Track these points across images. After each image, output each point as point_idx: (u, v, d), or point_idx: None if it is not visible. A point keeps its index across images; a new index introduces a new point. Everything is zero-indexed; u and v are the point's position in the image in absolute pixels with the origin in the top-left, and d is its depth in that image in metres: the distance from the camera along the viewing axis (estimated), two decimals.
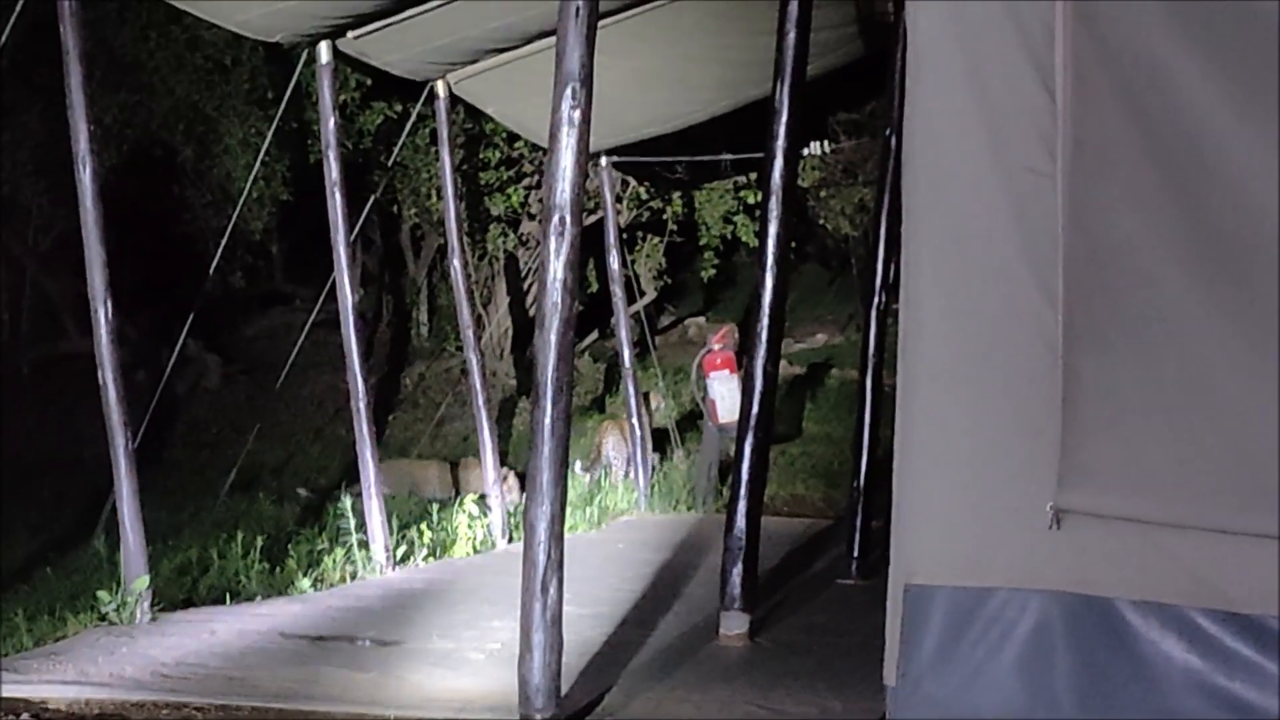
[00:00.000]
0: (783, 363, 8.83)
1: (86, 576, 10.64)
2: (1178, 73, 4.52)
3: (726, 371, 14.74)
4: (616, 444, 15.67)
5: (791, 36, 7.84)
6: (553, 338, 5.85)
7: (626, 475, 15.52)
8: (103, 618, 8.42)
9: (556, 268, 5.84)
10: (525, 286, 20.83)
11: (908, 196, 5.23)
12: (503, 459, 13.68)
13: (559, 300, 5.84)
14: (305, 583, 9.97)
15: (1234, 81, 4.44)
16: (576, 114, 5.84)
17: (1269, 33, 4.38)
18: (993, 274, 4.98)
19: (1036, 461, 4.85)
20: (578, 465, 15.27)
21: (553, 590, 5.83)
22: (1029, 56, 4.82)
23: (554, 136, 5.87)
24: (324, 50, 10.48)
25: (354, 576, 10.42)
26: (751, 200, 19.23)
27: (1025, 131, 4.85)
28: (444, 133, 12.46)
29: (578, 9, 5.82)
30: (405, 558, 11.04)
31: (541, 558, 5.81)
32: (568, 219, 5.82)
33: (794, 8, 7.82)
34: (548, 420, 5.85)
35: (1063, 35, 4.73)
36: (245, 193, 13.49)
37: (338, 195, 10.64)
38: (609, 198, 15.67)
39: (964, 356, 5.06)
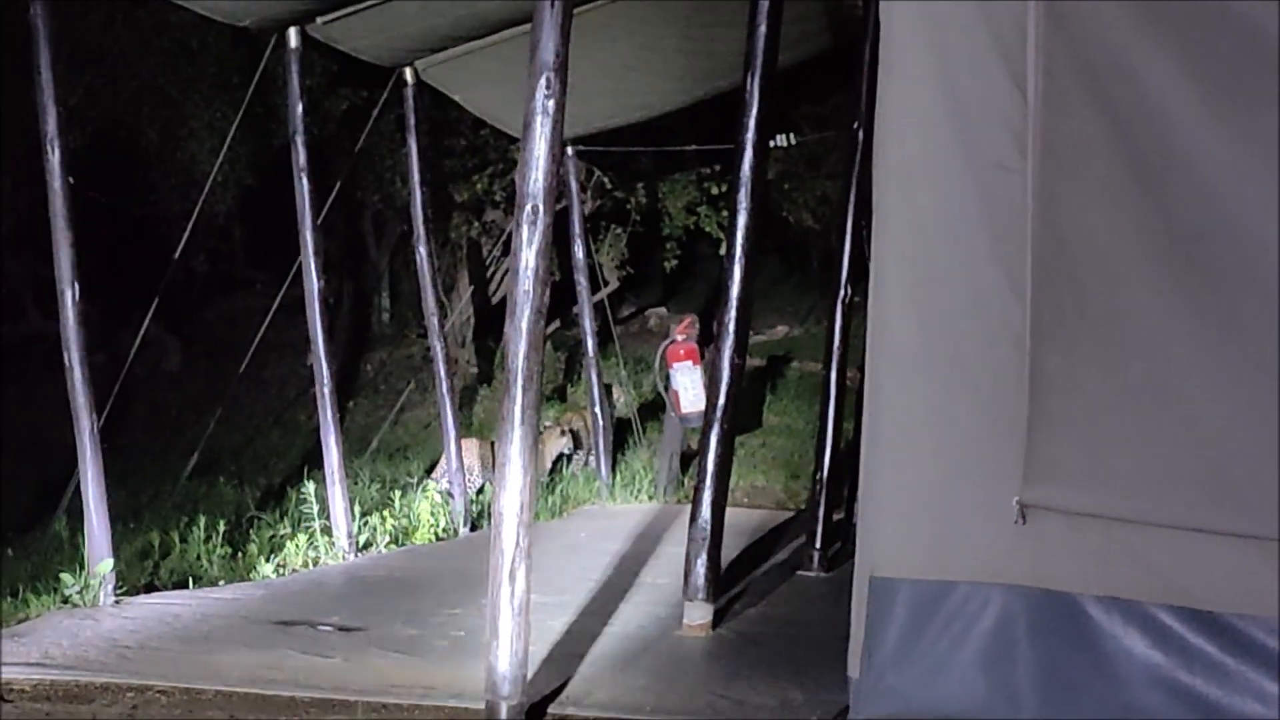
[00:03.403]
0: None
1: (47, 558, 10.59)
2: (1148, 71, 4.57)
3: (689, 363, 14.74)
4: (581, 432, 15.69)
5: (762, 29, 7.85)
6: (524, 326, 5.82)
7: (586, 464, 15.55)
8: (65, 600, 8.40)
9: (528, 256, 5.82)
10: (488, 274, 20.82)
11: (877, 191, 5.27)
12: None
13: (530, 289, 5.82)
14: (268, 568, 9.99)
15: (1204, 80, 4.48)
16: (551, 103, 5.83)
17: (1239, 32, 4.43)
18: (961, 270, 5.02)
19: (1002, 457, 4.90)
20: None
21: (520, 578, 5.81)
22: (1000, 54, 4.86)
23: (528, 125, 5.84)
24: (293, 35, 10.47)
25: (316, 562, 10.42)
26: (715, 191, 19.29)
27: (995, 128, 4.90)
28: (411, 120, 12.44)
29: None
30: (368, 544, 11.05)
31: (509, 546, 5.79)
32: (540, 208, 5.80)
33: (765, 1, 7.84)
34: (517, 409, 5.82)
35: (1034, 34, 4.77)
36: (211, 177, 13.38)
37: (304, 180, 10.63)
38: (574, 187, 15.64)
39: (931, 351, 5.10)
